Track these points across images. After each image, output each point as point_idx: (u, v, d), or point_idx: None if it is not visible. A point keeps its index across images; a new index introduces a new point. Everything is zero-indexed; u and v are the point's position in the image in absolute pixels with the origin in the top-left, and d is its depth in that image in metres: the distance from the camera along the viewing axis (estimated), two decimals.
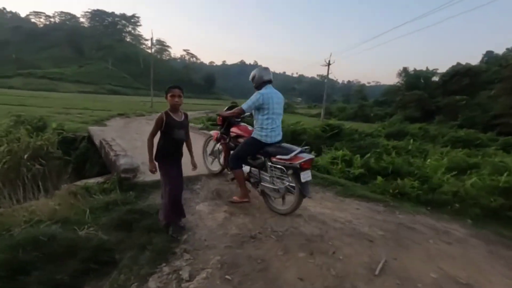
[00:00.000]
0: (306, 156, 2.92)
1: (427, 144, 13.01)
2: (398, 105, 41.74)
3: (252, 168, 3.43)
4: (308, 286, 2.05)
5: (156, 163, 2.68)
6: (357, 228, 3.05)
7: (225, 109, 3.87)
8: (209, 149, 4.49)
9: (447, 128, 24.77)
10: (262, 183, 3.31)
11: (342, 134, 11.51)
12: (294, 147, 3.12)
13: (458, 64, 47.00)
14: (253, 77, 3.34)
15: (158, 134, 2.67)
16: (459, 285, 2.19)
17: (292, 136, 10.19)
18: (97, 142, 5.84)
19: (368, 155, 6.66)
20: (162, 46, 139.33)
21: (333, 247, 2.60)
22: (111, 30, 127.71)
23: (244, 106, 3.24)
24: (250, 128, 3.74)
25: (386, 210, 3.70)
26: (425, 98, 39.88)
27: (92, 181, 3.61)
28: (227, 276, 2.10)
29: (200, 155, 4.38)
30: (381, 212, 3.61)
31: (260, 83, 3.28)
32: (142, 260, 2.23)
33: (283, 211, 3.20)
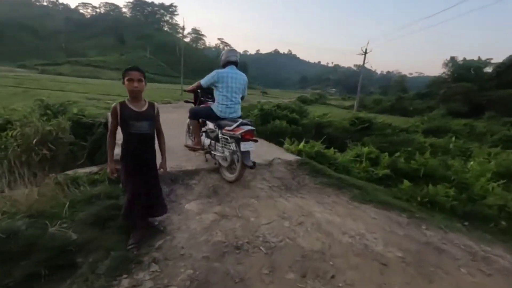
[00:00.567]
0: (246, 128, 3.26)
1: (472, 143, 11.49)
2: (442, 98, 38.13)
3: (212, 141, 3.86)
4: None
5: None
6: (369, 245, 2.52)
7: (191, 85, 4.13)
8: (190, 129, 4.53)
9: (498, 125, 22.00)
10: (215, 152, 3.75)
11: (372, 129, 10.54)
12: (241, 120, 3.43)
13: None
14: (221, 58, 3.79)
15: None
16: None
17: (316, 129, 9.54)
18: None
19: (398, 153, 5.88)
20: (197, 35, 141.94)
21: (333, 269, 2.13)
22: (151, 19, 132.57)
23: (202, 81, 3.72)
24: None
25: (410, 222, 3.09)
26: (474, 90, 35.94)
27: (83, 171, 3.45)
28: None
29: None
30: (403, 225, 3.01)
31: (225, 63, 3.74)
32: (102, 269, 1.94)
33: (230, 179, 3.56)
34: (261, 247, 2.35)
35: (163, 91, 28.81)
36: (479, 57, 47.26)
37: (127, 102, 2.16)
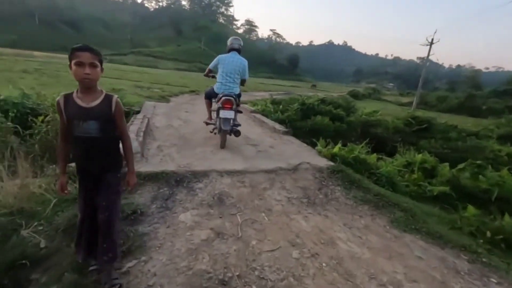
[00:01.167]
0: (224, 98, 4.12)
1: None
2: None
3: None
4: None
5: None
6: None
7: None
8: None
9: None
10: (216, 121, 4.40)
11: (432, 131, 9.00)
12: (224, 93, 4.25)
13: None
14: (227, 44, 4.59)
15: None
16: None
17: (363, 128, 8.46)
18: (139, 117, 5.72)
19: (462, 165, 4.72)
20: (250, 26, 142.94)
21: None
22: (207, 11, 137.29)
23: (210, 65, 4.66)
24: None
25: (474, 270, 2.24)
26: None
27: None
28: None
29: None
30: (462, 274, 2.18)
31: (229, 49, 4.53)
32: None
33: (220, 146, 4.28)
34: (254, 286, 1.81)
35: (211, 82, 29.26)
36: None
37: (74, 94, 1.59)
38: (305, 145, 5.05)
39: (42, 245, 2.00)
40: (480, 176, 4.18)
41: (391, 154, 6.67)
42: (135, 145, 3.46)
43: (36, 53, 38.52)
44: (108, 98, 1.63)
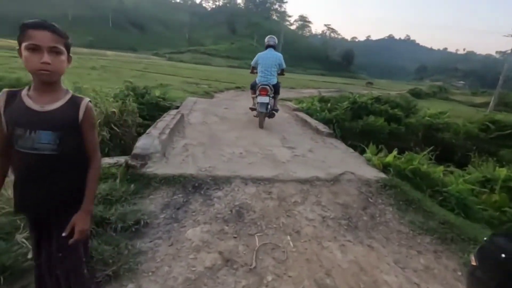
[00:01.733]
0: (261, 86, 5.02)
1: None
2: None
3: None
4: None
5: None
6: None
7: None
8: None
9: None
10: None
11: None
12: (263, 82, 5.12)
13: None
14: (265, 42, 5.48)
15: None
16: None
17: (425, 132, 7.22)
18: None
19: None
20: (304, 22, 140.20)
21: None
22: (261, 8, 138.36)
23: (252, 62, 5.53)
24: None
25: None
26: None
27: (110, 161, 3.08)
28: None
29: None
30: None
31: (266, 46, 5.43)
32: None
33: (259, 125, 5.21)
34: None
35: None
36: None
37: (24, 92, 1.11)
38: (351, 150, 4.33)
39: (29, 256, 1.78)
40: None
41: (461, 164, 5.53)
42: (155, 143, 3.21)
43: (108, 52, 42.75)
44: (74, 101, 1.17)
